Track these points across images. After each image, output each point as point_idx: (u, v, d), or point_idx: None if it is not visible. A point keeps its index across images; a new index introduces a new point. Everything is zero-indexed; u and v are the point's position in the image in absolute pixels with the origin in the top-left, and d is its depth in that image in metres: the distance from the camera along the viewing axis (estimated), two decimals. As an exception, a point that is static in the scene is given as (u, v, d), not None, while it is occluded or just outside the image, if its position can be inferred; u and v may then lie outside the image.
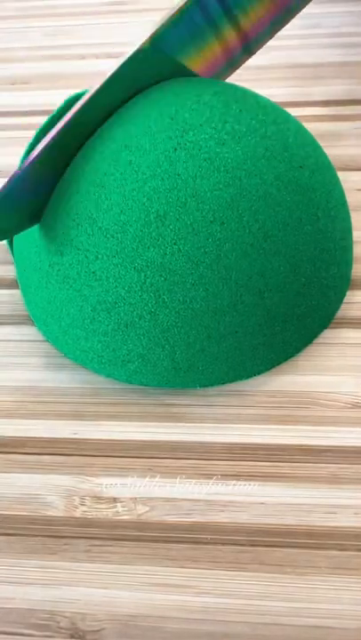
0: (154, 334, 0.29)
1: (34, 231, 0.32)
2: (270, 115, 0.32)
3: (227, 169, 0.29)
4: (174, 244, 0.28)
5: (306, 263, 0.30)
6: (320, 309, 0.32)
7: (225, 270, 0.29)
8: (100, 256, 0.29)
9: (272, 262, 0.29)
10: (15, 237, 0.34)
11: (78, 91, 0.49)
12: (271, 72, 0.49)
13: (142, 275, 0.29)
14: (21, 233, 0.34)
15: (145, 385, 0.32)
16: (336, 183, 0.33)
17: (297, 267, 0.30)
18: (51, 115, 0.35)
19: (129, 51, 0.24)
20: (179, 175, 0.29)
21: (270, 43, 0.52)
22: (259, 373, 0.32)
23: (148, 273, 0.29)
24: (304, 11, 0.54)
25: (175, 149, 0.29)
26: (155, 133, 0.30)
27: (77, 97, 0.35)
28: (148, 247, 0.29)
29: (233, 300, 0.29)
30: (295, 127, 0.32)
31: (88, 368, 0.32)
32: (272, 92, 0.47)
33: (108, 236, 0.29)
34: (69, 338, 0.31)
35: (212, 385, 0.31)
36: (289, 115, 0.33)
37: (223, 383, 0.32)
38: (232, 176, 0.29)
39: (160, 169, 0.29)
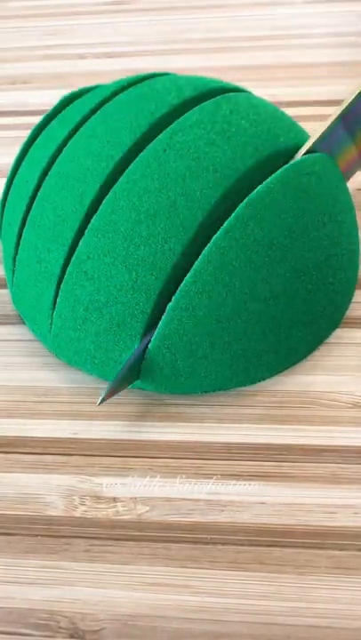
0: (153, 339, 0.29)
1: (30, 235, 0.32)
2: (261, 114, 0.32)
3: (216, 168, 0.29)
4: (165, 242, 0.28)
5: (312, 270, 0.30)
6: (327, 315, 0.32)
7: (229, 278, 0.28)
8: (91, 255, 0.29)
9: (277, 270, 0.29)
10: (3, 238, 0.34)
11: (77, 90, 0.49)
12: (272, 72, 0.49)
13: (133, 273, 0.29)
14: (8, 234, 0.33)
15: (141, 388, 0.31)
16: (341, 186, 0.33)
17: (303, 273, 0.30)
18: (45, 114, 0.35)
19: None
20: (168, 175, 0.29)
21: (270, 42, 0.52)
22: (263, 379, 0.32)
23: (140, 271, 0.29)
24: (305, 10, 0.54)
25: (165, 150, 0.29)
26: (142, 134, 0.30)
27: (72, 96, 0.35)
28: (139, 246, 0.29)
29: (237, 307, 0.29)
30: (288, 125, 0.32)
31: (82, 370, 0.32)
32: (272, 91, 0.47)
33: (99, 235, 0.29)
34: (61, 340, 0.31)
35: (213, 390, 0.31)
36: (282, 113, 0.34)
37: (226, 389, 0.31)
38: (221, 175, 0.29)
39: (149, 169, 0.29)
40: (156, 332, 0.29)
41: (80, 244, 0.29)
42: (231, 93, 0.33)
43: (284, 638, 0.25)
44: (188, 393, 0.31)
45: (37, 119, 0.48)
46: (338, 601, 0.25)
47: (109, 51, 0.53)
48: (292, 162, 0.30)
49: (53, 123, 0.33)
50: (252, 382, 0.31)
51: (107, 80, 0.50)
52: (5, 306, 0.36)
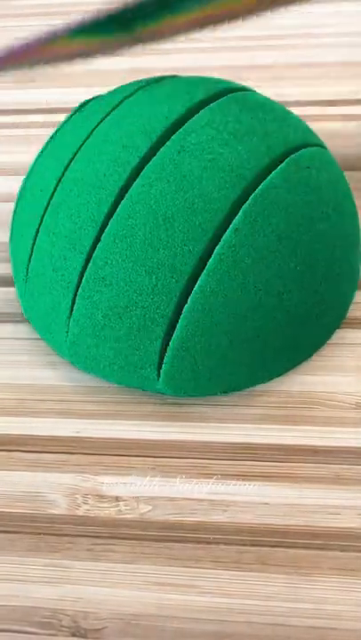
0: (171, 342, 0.29)
1: (29, 238, 0.32)
2: (269, 112, 0.32)
3: (231, 168, 0.29)
4: (184, 245, 0.28)
5: (321, 261, 0.30)
6: (335, 306, 0.32)
7: (242, 275, 0.28)
8: (109, 261, 0.29)
9: (288, 263, 0.29)
10: (12, 239, 0.34)
11: (84, 88, 0.49)
12: (277, 71, 0.49)
13: (153, 277, 0.28)
14: (18, 238, 0.33)
15: (161, 393, 0.31)
16: (340, 177, 0.33)
17: (312, 265, 0.30)
18: (66, 118, 0.35)
19: None
20: (185, 177, 0.29)
21: (275, 42, 0.52)
22: (280, 375, 0.32)
23: (160, 275, 0.28)
24: (310, 10, 0.54)
25: (179, 152, 0.29)
26: (157, 137, 0.30)
27: (84, 103, 0.35)
28: (158, 249, 0.28)
29: (253, 304, 0.29)
30: (295, 124, 0.32)
31: (99, 376, 0.32)
32: (278, 90, 0.47)
33: (116, 240, 0.29)
34: (78, 347, 0.31)
35: (233, 391, 0.31)
36: (288, 111, 0.33)
37: (245, 388, 0.31)
38: (237, 175, 0.29)
39: (165, 172, 0.29)
40: (174, 337, 0.29)
41: (97, 249, 0.29)
42: (238, 93, 0.32)
43: (286, 639, 0.25)
44: (207, 395, 0.31)
45: (42, 117, 0.48)
46: (341, 602, 0.25)
47: (114, 49, 0.53)
48: (291, 156, 0.30)
49: (65, 130, 0.33)
50: (270, 379, 0.31)
51: (111, 78, 0.49)
52: (7, 304, 0.36)
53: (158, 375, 0.30)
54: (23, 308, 0.33)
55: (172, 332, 0.29)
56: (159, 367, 0.30)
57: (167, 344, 0.29)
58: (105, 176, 0.30)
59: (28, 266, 0.32)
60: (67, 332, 0.31)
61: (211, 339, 0.29)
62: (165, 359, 0.29)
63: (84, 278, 0.29)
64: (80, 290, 0.30)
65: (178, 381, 0.30)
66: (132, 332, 0.29)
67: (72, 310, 0.30)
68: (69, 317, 0.31)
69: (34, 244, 0.32)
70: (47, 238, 0.31)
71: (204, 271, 0.28)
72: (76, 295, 0.30)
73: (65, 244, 0.30)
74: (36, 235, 0.32)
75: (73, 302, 0.30)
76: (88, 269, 0.29)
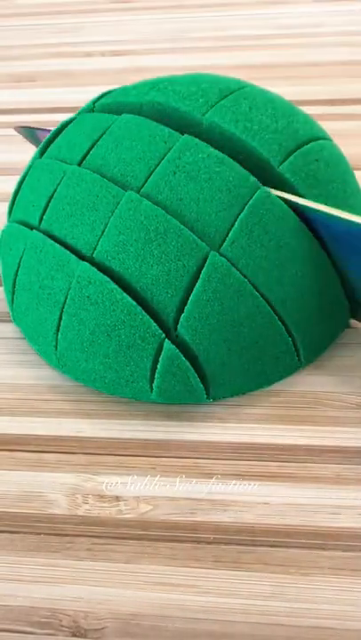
0: (162, 357, 0.29)
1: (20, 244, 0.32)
2: (279, 109, 0.31)
3: (229, 188, 0.28)
4: (178, 260, 0.28)
5: (323, 265, 0.30)
6: (338, 312, 0.31)
7: (238, 283, 0.28)
8: (92, 281, 0.29)
9: (289, 270, 0.29)
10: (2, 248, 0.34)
11: (84, 88, 0.49)
12: (277, 71, 0.49)
13: (140, 298, 0.28)
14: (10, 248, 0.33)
15: (156, 402, 0.31)
16: (347, 169, 0.32)
17: (315, 270, 0.29)
18: (78, 112, 0.34)
19: None
20: (181, 200, 0.28)
21: (276, 41, 0.52)
22: (280, 379, 0.31)
23: (155, 291, 0.28)
24: (309, 9, 0.54)
25: (175, 173, 0.29)
26: (155, 164, 0.29)
27: (106, 95, 0.34)
28: (152, 265, 0.28)
29: (251, 311, 0.28)
30: (303, 119, 0.32)
31: (91, 387, 0.32)
32: (278, 90, 0.47)
33: (103, 259, 0.29)
34: (68, 360, 0.31)
35: (231, 396, 0.31)
36: (296, 108, 0.33)
37: (244, 393, 0.31)
38: (235, 195, 0.28)
39: (161, 196, 0.28)
40: (166, 352, 0.28)
41: (79, 268, 0.29)
42: (247, 88, 0.32)
43: (287, 639, 0.25)
44: (203, 402, 0.31)
45: (43, 117, 0.48)
46: (342, 602, 0.25)
47: (115, 48, 0.53)
48: (300, 150, 0.30)
49: (60, 143, 0.32)
50: (270, 384, 0.31)
51: (113, 78, 0.49)
52: (6, 303, 0.36)
53: (151, 389, 0.30)
54: (12, 317, 0.33)
55: (163, 347, 0.29)
56: (151, 381, 0.29)
57: (159, 359, 0.29)
58: (98, 197, 0.29)
59: (15, 279, 0.32)
60: (55, 345, 0.31)
61: (209, 347, 0.28)
62: (157, 375, 0.29)
63: (68, 296, 0.29)
64: (66, 307, 0.29)
65: (172, 393, 0.30)
66: (122, 349, 0.29)
67: (59, 326, 0.30)
68: (57, 332, 0.30)
69: (21, 258, 0.31)
70: (34, 256, 0.30)
71: (199, 280, 0.28)
72: (62, 312, 0.30)
73: (53, 264, 0.30)
74: (24, 250, 0.31)
75: (60, 319, 0.30)
76: (72, 288, 0.29)
